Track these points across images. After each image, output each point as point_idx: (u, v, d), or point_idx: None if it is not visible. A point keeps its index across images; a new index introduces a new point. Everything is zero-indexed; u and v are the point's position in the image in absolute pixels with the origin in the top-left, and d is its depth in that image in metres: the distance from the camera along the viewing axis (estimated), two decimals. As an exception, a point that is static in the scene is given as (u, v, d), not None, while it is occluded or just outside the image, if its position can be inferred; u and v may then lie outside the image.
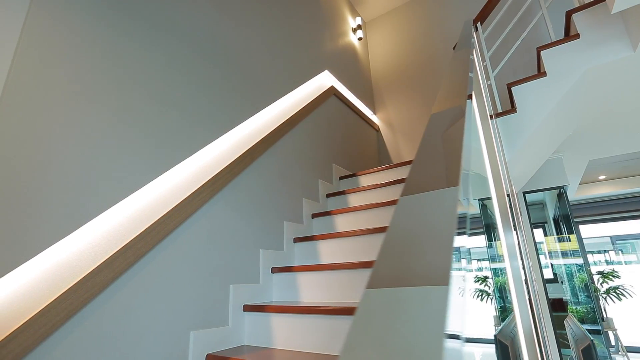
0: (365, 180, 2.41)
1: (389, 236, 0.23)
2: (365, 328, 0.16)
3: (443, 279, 0.17)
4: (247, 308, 1.43)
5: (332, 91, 2.70)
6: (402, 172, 2.28)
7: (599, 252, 6.86)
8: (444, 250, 0.19)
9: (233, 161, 1.56)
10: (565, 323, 2.74)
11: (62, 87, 1.04)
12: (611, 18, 1.77)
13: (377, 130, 3.47)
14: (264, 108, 1.89)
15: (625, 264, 6.62)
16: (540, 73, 1.93)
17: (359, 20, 3.63)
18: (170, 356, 1.13)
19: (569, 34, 2.03)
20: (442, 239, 0.20)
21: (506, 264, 1.43)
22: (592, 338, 1.61)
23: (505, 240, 1.33)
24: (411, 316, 0.16)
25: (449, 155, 0.33)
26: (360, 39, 3.61)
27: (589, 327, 3.38)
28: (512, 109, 1.96)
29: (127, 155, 1.17)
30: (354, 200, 2.18)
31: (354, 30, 3.57)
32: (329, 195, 2.27)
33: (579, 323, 2.70)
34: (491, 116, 1.68)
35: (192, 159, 1.40)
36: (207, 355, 1.23)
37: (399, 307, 0.16)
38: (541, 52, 1.94)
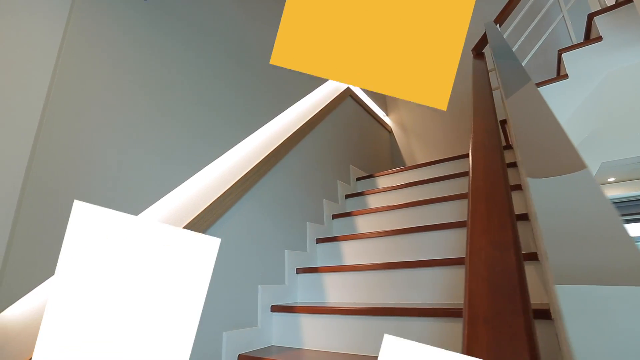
0: (382, 181, 2.41)
1: (547, 223, 0.23)
2: (590, 329, 0.16)
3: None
4: (275, 308, 1.43)
5: (348, 92, 2.70)
6: (418, 174, 2.28)
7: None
8: (625, 242, 0.19)
9: (260, 161, 1.56)
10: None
11: (103, 87, 1.04)
12: (634, 21, 1.78)
13: (390, 132, 3.48)
14: (287, 108, 1.90)
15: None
16: (562, 75, 1.93)
17: (371, 22, 3.63)
18: (204, 356, 1.13)
19: (590, 37, 2.03)
20: (614, 229, 0.20)
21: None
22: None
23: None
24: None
25: (555, 141, 0.33)
26: (372, 40, 3.61)
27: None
28: (533, 111, 1.95)
29: (163, 154, 1.17)
30: (372, 201, 2.18)
31: (367, 32, 3.57)
32: (347, 196, 2.27)
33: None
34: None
35: (222, 159, 1.40)
36: (239, 356, 1.23)
37: (617, 308, 0.16)
38: (562, 54, 1.94)
